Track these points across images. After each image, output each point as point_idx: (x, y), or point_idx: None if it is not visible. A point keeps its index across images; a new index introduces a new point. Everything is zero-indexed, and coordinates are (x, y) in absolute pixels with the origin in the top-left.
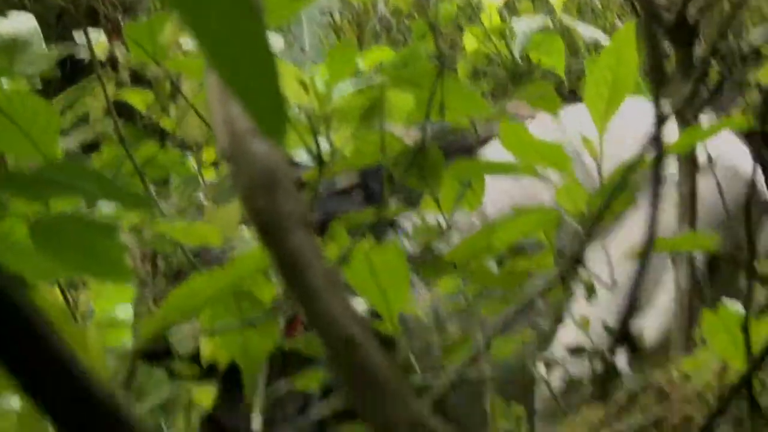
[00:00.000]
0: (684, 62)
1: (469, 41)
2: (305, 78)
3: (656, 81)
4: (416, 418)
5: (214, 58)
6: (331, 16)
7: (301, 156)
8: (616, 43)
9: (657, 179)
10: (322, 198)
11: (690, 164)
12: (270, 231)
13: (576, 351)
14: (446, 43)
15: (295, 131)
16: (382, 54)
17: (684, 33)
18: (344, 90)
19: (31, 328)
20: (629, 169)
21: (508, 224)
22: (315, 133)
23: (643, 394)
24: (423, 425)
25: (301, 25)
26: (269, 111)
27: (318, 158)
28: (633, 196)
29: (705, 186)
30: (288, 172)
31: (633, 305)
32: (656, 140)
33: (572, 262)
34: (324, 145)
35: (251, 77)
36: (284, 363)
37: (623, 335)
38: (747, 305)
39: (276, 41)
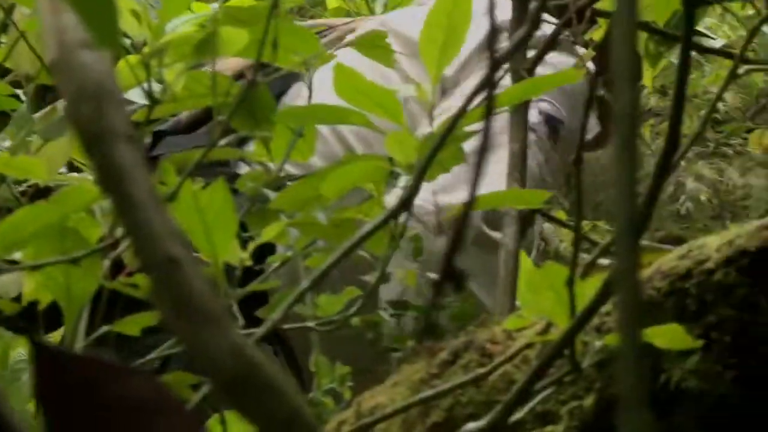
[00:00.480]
0: (520, 9)
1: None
2: (138, 8)
3: (492, 28)
4: (236, 346)
5: None
6: None
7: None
8: None
9: (485, 132)
10: (165, 134)
11: (520, 119)
12: (95, 142)
13: (398, 305)
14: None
15: (127, 64)
16: None
17: None
18: (178, 25)
19: None
20: (456, 119)
21: (336, 173)
22: (147, 68)
23: (466, 351)
24: (242, 353)
25: None
26: (101, 19)
27: (149, 95)
28: (461, 149)
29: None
30: (116, 86)
31: (455, 247)
32: (487, 91)
33: (398, 211)
34: (156, 83)
35: None
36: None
37: (448, 276)
38: (573, 263)
39: None
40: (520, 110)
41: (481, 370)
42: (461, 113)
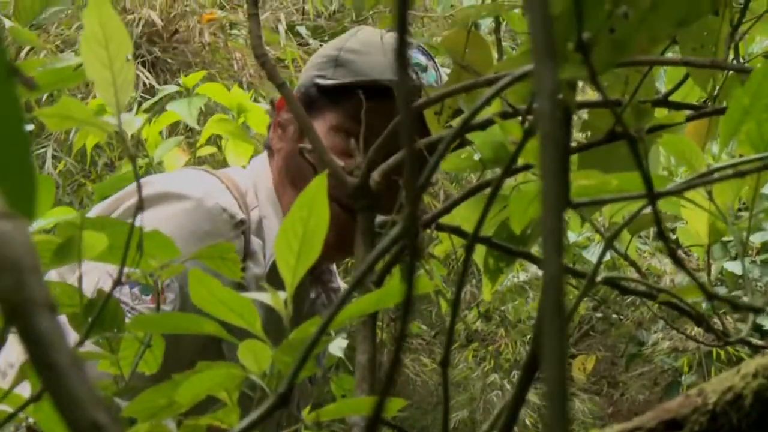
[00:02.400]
0: (364, 227)
1: None
2: None
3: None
4: None
5: None
6: None
7: None
8: (308, 195)
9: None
10: None
11: (368, 333)
12: (17, 312)
13: None
14: None
15: None
16: None
17: (365, 198)
18: (37, 228)
19: None
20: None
21: (190, 381)
22: None
23: None
24: None
25: None
26: (18, 188)
27: None
28: (315, 364)
29: None
30: (35, 257)
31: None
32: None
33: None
34: None
35: (2, 156)
36: None
37: None
38: None
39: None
40: (368, 324)
41: None
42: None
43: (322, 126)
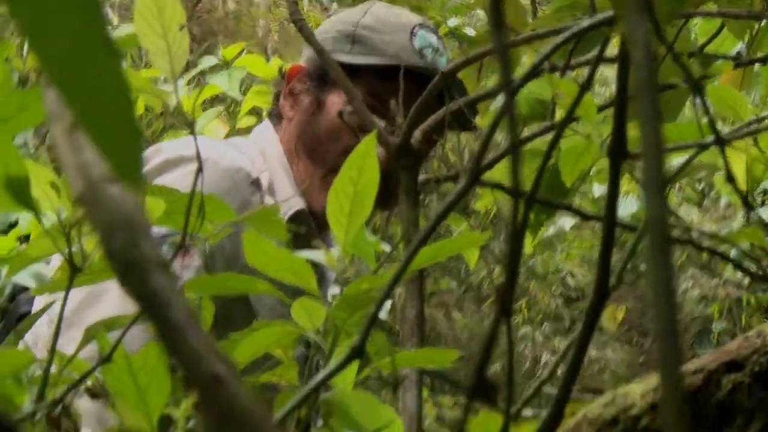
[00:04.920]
0: (408, 186)
1: None
2: (57, 180)
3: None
4: None
5: (72, 104)
6: None
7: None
8: (358, 156)
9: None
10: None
11: (416, 287)
12: (131, 271)
13: None
14: None
15: (48, 236)
16: None
17: (408, 157)
18: None
19: None
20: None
21: (247, 339)
22: (68, 237)
23: None
24: None
25: None
26: (126, 157)
27: (71, 263)
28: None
29: None
30: (144, 217)
31: (485, 359)
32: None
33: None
34: (76, 249)
35: (109, 123)
36: None
37: (480, 389)
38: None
39: None
40: (416, 279)
41: None
42: (373, 279)
43: (338, 100)
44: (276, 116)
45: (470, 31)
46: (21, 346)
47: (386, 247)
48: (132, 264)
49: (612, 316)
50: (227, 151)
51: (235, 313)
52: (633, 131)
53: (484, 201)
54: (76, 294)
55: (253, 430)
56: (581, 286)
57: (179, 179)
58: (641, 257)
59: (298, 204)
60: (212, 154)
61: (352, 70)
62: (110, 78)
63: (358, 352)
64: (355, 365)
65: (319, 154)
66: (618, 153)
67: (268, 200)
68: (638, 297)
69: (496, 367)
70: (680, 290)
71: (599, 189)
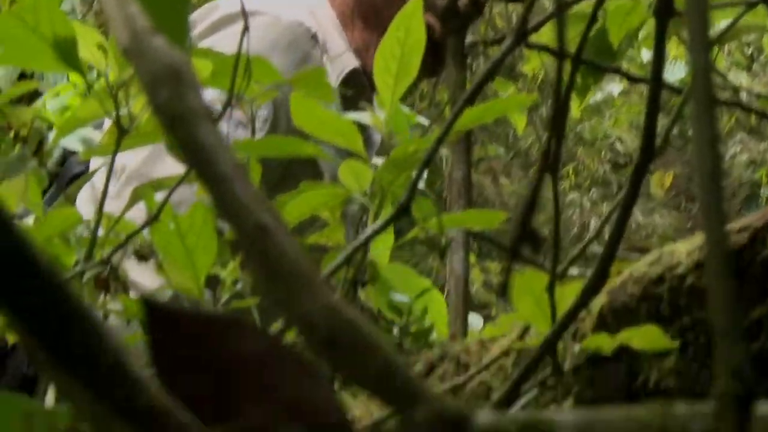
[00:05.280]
0: (455, 49)
1: None
2: (104, 41)
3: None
4: (330, 305)
5: None
6: None
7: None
8: (404, 17)
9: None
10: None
11: (463, 147)
12: (177, 122)
13: None
14: None
15: (95, 97)
16: None
17: (455, 20)
18: None
19: None
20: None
21: (295, 201)
22: (115, 99)
23: (441, 362)
24: (337, 312)
25: None
26: (171, 17)
27: (118, 125)
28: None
29: None
30: (190, 69)
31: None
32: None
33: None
34: (124, 112)
35: None
36: None
37: (524, 237)
38: (553, 269)
39: None
40: (462, 139)
41: (459, 379)
42: (424, 141)
43: None
44: None
45: None
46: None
47: (423, 120)
48: (178, 116)
49: (659, 182)
50: (285, 6)
51: (301, 173)
52: None
53: (531, 64)
54: (141, 151)
55: (300, 279)
56: (629, 151)
57: (234, 36)
58: (689, 122)
59: (352, 62)
60: (271, 9)
61: None
62: None
63: (405, 209)
64: (391, 234)
65: (376, 19)
66: (664, 12)
67: (325, 57)
68: (685, 162)
69: (542, 233)
70: (728, 155)
71: (647, 55)
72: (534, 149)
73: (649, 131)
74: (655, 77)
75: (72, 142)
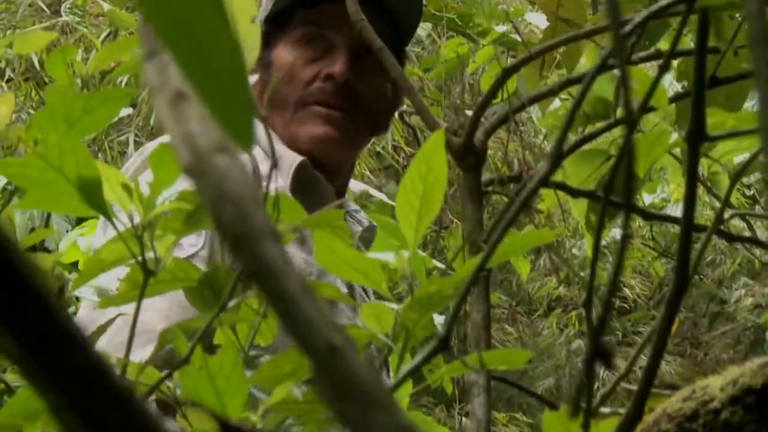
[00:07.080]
0: (471, 186)
1: None
2: (129, 182)
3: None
4: (406, 425)
5: (186, 69)
6: None
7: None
8: (426, 151)
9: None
10: None
11: (482, 289)
12: (242, 242)
13: None
14: None
15: (120, 239)
16: None
17: (471, 157)
18: (168, 197)
19: None
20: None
21: None
22: (140, 241)
23: None
24: (412, 431)
25: None
26: (238, 120)
27: (144, 267)
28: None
29: None
30: (254, 187)
31: (603, 324)
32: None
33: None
34: (149, 254)
35: (223, 88)
36: None
37: (598, 353)
38: (588, 404)
39: None
40: (482, 282)
41: None
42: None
43: (285, 50)
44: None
45: (518, 38)
46: None
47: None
48: (244, 235)
49: None
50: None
51: None
52: (711, 116)
53: (546, 203)
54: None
55: (369, 399)
56: (633, 296)
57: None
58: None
59: (294, 159)
60: None
61: (283, 19)
62: (224, 43)
63: (445, 343)
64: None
65: (282, 101)
66: (697, 135)
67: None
68: (690, 307)
69: (549, 382)
70: (732, 299)
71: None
72: (538, 296)
73: (682, 261)
74: (688, 203)
75: (84, 291)
